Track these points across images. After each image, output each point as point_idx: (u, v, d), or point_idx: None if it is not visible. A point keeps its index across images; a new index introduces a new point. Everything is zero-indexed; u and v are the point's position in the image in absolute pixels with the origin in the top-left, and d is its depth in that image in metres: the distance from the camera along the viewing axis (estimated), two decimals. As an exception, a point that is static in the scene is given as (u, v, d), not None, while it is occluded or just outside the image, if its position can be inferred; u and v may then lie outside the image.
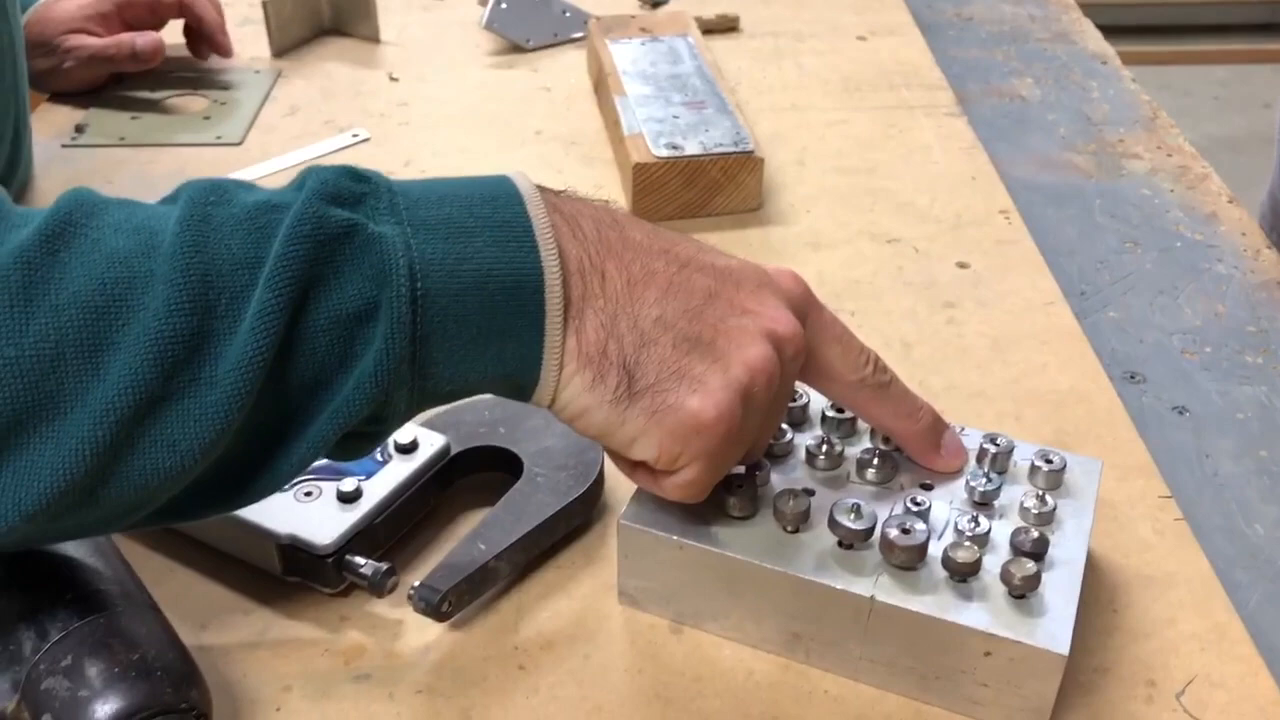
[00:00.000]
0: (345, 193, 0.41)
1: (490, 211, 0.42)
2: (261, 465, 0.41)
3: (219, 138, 0.90)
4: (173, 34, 1.06)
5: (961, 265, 0.76)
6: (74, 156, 0.88)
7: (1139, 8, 3.06)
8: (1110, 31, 1.18)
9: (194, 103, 0.95)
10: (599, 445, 0.56)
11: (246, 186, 0.42)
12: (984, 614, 0.45)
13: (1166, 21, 3.14)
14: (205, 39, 0.98)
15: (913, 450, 0.51)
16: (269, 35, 1.01)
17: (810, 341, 0.47)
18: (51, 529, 0.39)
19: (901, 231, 0.80)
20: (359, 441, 0.43)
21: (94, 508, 0.39)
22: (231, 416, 0.38)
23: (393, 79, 1.00)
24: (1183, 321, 0.74)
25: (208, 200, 0.40)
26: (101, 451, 0.37)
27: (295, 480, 0.53)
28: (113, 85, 0.97)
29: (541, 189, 0.44)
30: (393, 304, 0.40)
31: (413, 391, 0.41)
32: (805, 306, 0.47)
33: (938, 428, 0.51)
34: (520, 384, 0.43)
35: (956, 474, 0.51)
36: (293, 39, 1.03)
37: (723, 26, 1.07)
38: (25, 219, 0.39)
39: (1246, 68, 3.12)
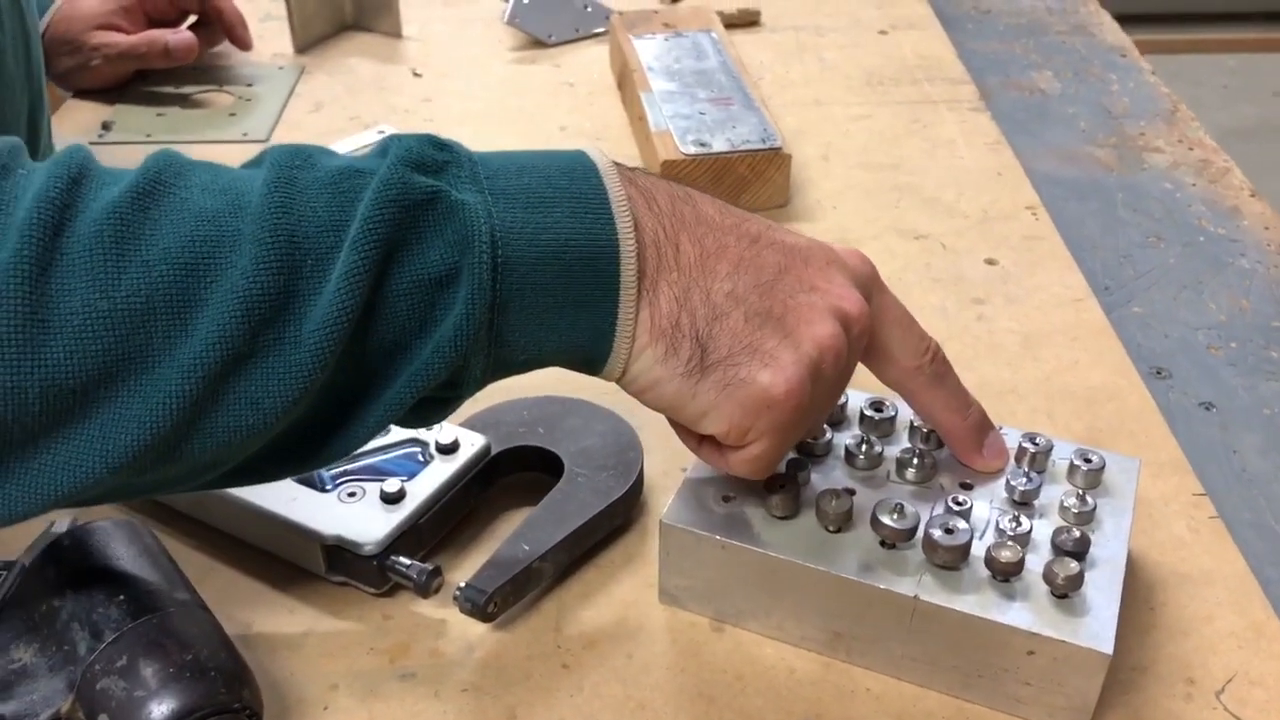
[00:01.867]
0: (429, 160, 0.41)
1: (568, 183, 0.42)
2: (339, 426, 0.42)
3: (245, 134, 0.90)
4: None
5: (990, 261, 0.77)
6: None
7: (1147, -3, 3.05)
8: (1119, 20, 1.18)
9: (219, 99, 0.95)
10: (639, 445, 0.57)
11: (329, 153, 0.43)
12: (1027, 613, 0.46)
13: (1175, 10, 3.13)
14: (226, 32, 0.98)
15: (956, 446, 0.51)
16: (292, 31, 1.02)
17: (873, 322, 0.47)
18: (135, 483, 0.40)
19: (929, 227, 0.80)
20: (433, 407, 0.43)
21: (177, 463, 0.39)
22: (314, 376, 0.39)
23: (416, 75, 1.00)
24: (1207, 317, 0.74)
25: (293, 164, 0.41)
26: (188, 406, 0.38)
27: (336, 480, 0.53)
28: (137, 82, 0.97)
29: (617, 164, 0.45)
30: (474, 270, 0.40)
31: (489, 358, 0.42)
32: (870, 286, 0.48)
33: (984, 426, 0.51)
34: (592, 355, 0.44)
35: (997, 475, 0.51)
36: (315, 34, 1.04)
37: (744, 21, 1.07)
38: (115, 178, 0.40)
39: (1255, 56, 3.11)
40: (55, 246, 0.37)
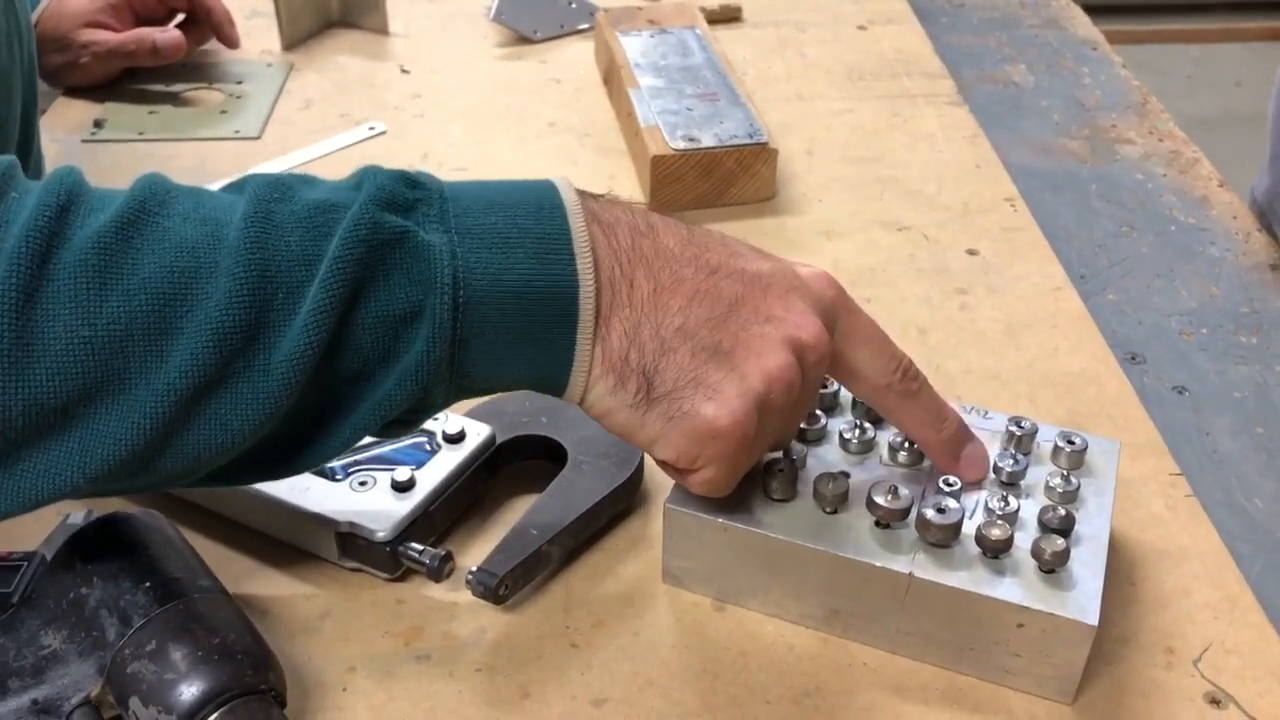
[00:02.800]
0: (399, 199, 0.43)
1: (533, 224, 0.44)
2: (306, 445, 0.44)
3: (237, 132, 0.91)
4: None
5: (971, 252, 0.79)
6: (94, 151, 0.89)
7: (1114, -12, 3.09)
8: (1086, 10, 1.21)
9: (210, 96, 0.96)
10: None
11: (308, 182, 0.44)
12: (1017, 588, 0.48)
13: (1140, 1, 3.18)
14: (213, 30, 0.99)
15: (933, 459, 0.53)
16: (280, 28, 1.02)
17: (840, 343, 0.49)
18: (110, 489, 0.43)
19: (912, 219, 0.82)
20: (397, 427, 0.46)
21: (149, 474, 0.42)
22: (281, 402, 0.41)
23: (404, 71, 1.01)
24: (1179, 303, 0.77)
25: (270, 196, 0.43)
26: (161, 426, 0.40)
27: (348, 470, 0.55)
28: (127, 80, 0.97)
29: (583, 195, 0.46)
30: (436, 309, 0.42)
31: (450, 387, 0.44)
32: (836, 310, 0.49)
33: (960, 438, 0.52)
34: (552, 384, 0.46)
35: (976, 485, 0.52)
36: (302, 32, 1.04)
37: (726, 16, 1.08)
38: (103, 203, 0.41)
39: (1218, 46, 3.16)
40: (42, 274, 0.39)
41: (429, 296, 0.42)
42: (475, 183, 0.46)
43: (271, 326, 0.41)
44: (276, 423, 0.42)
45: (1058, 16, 1.18)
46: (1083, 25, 1.17)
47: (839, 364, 0.49)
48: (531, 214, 0.44)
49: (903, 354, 0.50)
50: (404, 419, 0.45)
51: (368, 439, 0.56)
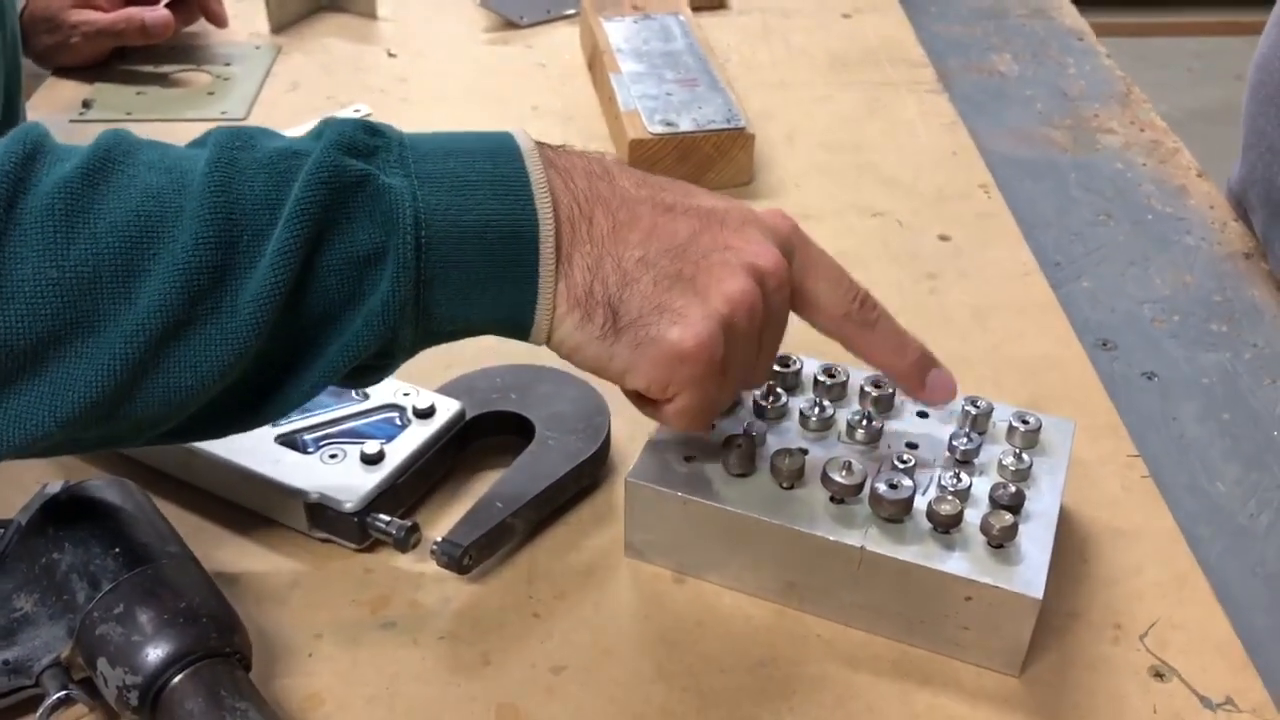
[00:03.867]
0: (360, 145, 0.44)
1: (491, 166, 0.45)
2: (274, 390, 0.45)
3: (224, 113, 0.92)
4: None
5: (943, 238, 0.80)
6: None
7: (1115, -21, 3.09)
8: (1087, 3, 1.21)
9: (198, 78, 0.97)
10: (606, 410, 0.60)
11: (269, 134, 0.45)
12: (965, 562, 0.49)
13: (1143, -7, 3.18)
14: (202, 10, 1.00)
15: (900, 385, 0.54)
16: (268, 10, 1.03)
17: (798, 276, 0.50)
18: (82, 438, 0.43)
19: (886, 205, 0.83)
20: (368, 373, 0.47)
21: (120, 420, 0.42)
22: (249, 343, 0.42)
23: (391, 55, 1.02)
24: (1153, 291, 0.78)
25: (234, 144, 0.43)
26: (130, 368, 0.41)
27: (318, 443, 0.56)
28: (116, 60, 0.98)
29: (539, 145, 0.47)
30: (399, 250, 0.43)
31: (417, 330, 0.45)
32: (792, 241, 0.50)
33: (925, 362, 0.53)
34: (518, 324, 0.47)
35: (946, 407, 0.54)
36: (291, 14, 1.05)
37: (711, 3, 1.09)
38: (68, 154, 0.42)
39: (1220, 39, 3.16)
40: (9, 218, 0.40)
41: (392, 237, 0.43)
42: (433, 134, 0.47)
43: (237, 268, 0.42)
44: (245, 365, 0.43)
45: (1045, 7, 1.19)
46: (1070, 15, 1.17)
47: (798, 297, 0.50)
48: (489, 158, 0.46)
49: (859, 285, 0.52)
50: (372, 364, 0.46)
51: (342, 410, 0.58)
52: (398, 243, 0.43)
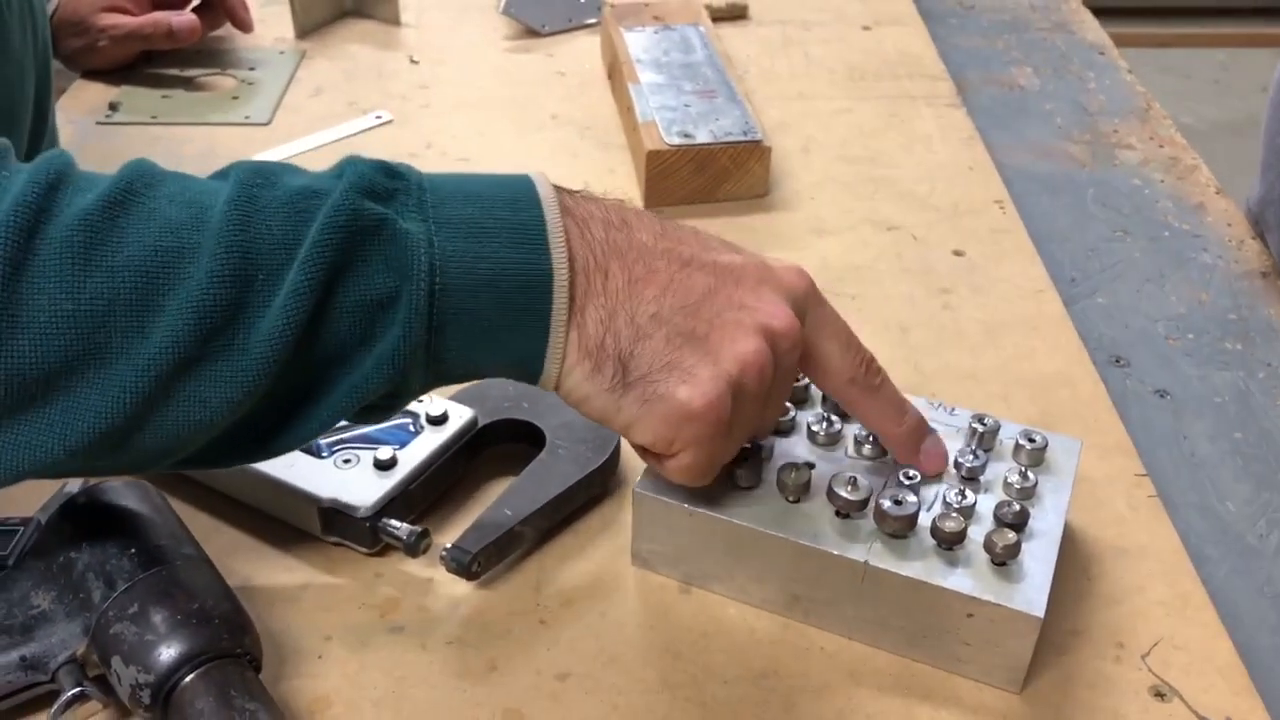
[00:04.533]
0: (379, 188, 0.45)
1: (509, 214, 0.46)
2: (282, 427, 0.45)
3: (247, 117, 0.93)
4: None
5: (957, 253, 0.80)
6: (108, 134, 0.92)
7: (1141, -10, 3.08)
8: (1111, 14, 1.21)
9: (222, 82, 0.99)
10: (616, 420, 0.60)
11: (292, 170, 0.46)
12: (967, 579, 0.49)
13: (1167, 4, 3.16)
14: (228, 15, 1.01)
15: (894, 451, 0.54)
16: (293, 16, 1.05)
17: (809, 336, 0.50)
18: (90, 466, 0.44)
19: (901, 219, 0.84)
20: (375, 412, 0.47)
21: (129, 451, 0.43)
22: (259, 381, 0.42)
23: (413, 62, 1.03)
24: (1168, 308, 0.78)
25: (254, 182, 0.44)
26: (141, 401, 0.42)
27: (332, 448, 0.57)
28: (143, 64, 1.00)
29: (559, 190, 0.48)
30: (412, 296, 0.43)
31: (427, 373, 0.46)
32: (806, 302, 0.50)
33: (920, 432, 0.53)
34: (528, 371, 0.47)
35: (936, 478, 0.54)
36: (316, 20, 1.07)
37: (732, 14, 1.10)
38: (91, 184, 0.43)
39: (1246, 51, 3.14)
40: (29, 248, 0.40)
41: (406, 283, 0.44)
42: (453, 175, 0.48)
43: (251, 306, 0.42)
44: (254, 403, 0.43)
45: (1067, 20, 1.19)
46: (1092, 30, 1.17)
47: (807, 357, 0.51)
48: (508, 205, 0.46)
49: (866, 350, 0.52)
50: (381, 404, 0.46)
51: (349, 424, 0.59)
52: (411, 289, 0.43)
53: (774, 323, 0.48)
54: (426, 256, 0.44)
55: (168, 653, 0.46)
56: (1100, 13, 1.22)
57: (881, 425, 0.53)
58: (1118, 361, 0.73)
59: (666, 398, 0.46)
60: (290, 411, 0.45)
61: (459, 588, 0.55)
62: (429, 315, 0.44)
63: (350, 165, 0.46)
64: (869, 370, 0.51)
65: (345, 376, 0.44)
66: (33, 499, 0.57)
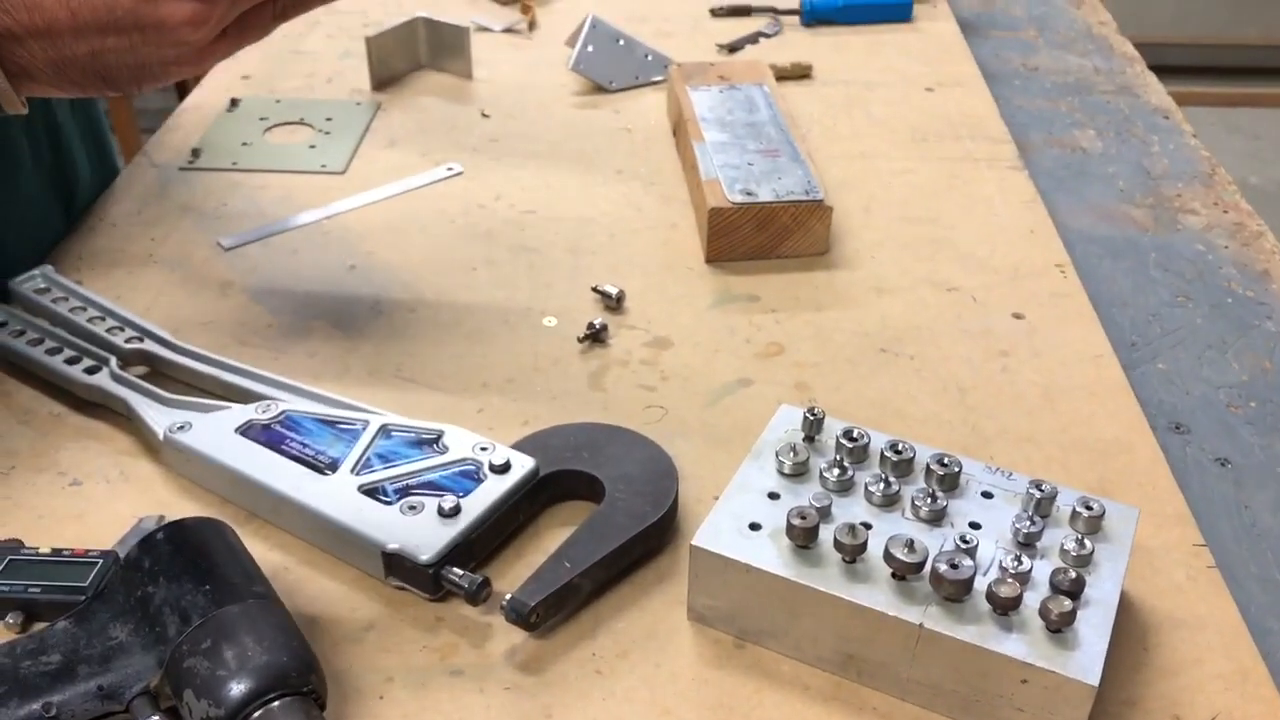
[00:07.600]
0: None
1: None
2: None
3: (323, 166, 0.96)
4: (283, 65, 1.13)
5: (1017, 316, 0.81)
6: (190, 179, 0.95)
7: (1208, 49, 3.06)
8: (1179, 73, 1.21)
9: (300, 132, 1.02)
10: (674, 473, 0.61)
11: None
12: (1022, 645, 0.50)
13: (1236, 64, 3.14)
14: None
15: None
16: (370, 69, 1.08)
17: None
18: None
19: (961, 281, 0.84)
20: None
21: None
22: None
23: (484, 115, 1.06)
24: (1230, 376, 0.78)
25: None
26: None
27: (401, 494, 0.59)
28: (232, 107, 1.04)
29: None
30: None
31: None
32: None
33: None
34: None
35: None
36: (391, 73, 1.10)
37: (796, 74, 1.12)
38: None
39: (1318, 112, 3.11)
40: None
41: None
42: None
43: None
44: None
45: (1131, 84, 1.19)
46: (1156, 93, 1.17)
47: None
48: None
49: None
50: None
51: (424, 462, 0.60)
52: None
53: None
54: None
55: (238, 688, 0.47)
56: (1169, 71, 1.21)
57: None
58: (1178, 429, 0.73)
59: None
60: None
61: (517, 634, 0.56)
62: None
63: None
64: None
65: None
66: (111, 533, 0.60)
